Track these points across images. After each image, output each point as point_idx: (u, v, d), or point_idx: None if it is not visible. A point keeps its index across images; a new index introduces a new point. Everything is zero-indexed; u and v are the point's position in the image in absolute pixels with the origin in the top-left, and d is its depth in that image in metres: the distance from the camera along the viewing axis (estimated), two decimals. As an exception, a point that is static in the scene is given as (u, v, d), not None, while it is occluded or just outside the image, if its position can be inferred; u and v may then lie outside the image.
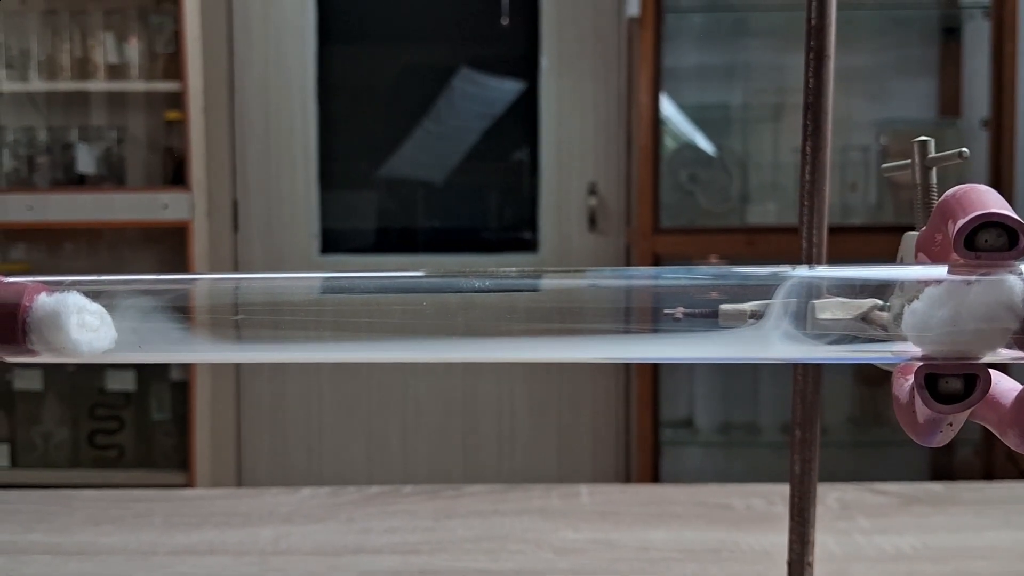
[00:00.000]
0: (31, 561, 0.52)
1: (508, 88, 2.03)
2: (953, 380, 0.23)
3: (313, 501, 0.61)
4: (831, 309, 0.24)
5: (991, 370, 0.24)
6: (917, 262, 0.28)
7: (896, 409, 0.27)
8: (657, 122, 1.75)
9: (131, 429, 1.98)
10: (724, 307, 0.25)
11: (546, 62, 1.98)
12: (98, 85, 1.90)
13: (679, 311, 0.25)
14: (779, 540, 0.54)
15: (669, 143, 1.85)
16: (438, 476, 1.97)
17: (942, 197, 0.26)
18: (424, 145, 2.04)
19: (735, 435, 1.87)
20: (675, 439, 1.89)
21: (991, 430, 0.26)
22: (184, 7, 1.83)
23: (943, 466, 1.84)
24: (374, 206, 2.08)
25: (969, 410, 0.24)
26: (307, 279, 0.27)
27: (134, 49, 1.89)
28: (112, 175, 1.94)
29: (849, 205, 1.82)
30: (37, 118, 1.96)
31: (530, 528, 0.56)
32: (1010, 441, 0.25)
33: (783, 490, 0.62)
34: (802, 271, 0.25)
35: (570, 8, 1.96)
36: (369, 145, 2.06)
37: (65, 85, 1.90)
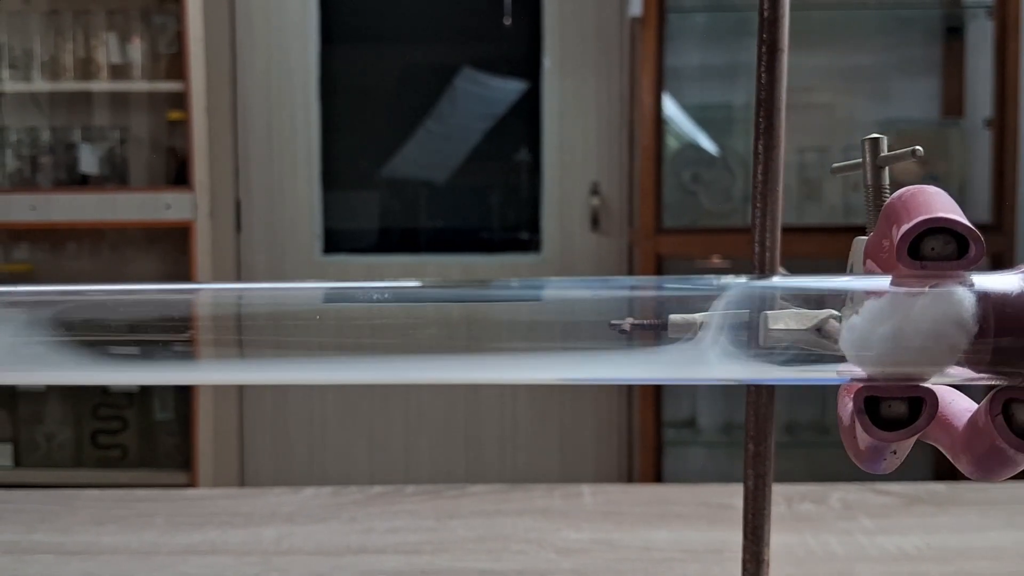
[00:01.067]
0: (34, 561, 0.52)
1: (510, 88, 2.03)
2: (896, 404, 0.21)
3: (315, 501, 0.61)
4: (784, 320, 0.22)
5: (946, 387, 0.22)
6: (865, 270, 0.25)
7: (840, 431, 0.24)
8: (660, 122, 1.75)
9: (134, 429, 1.98)
10: (673, 317, 0.23)
11: (548, 62, 1.98)
12: (101, 85, 1.90)
13: (627, 322, 0.23)
14: (783, 541, 0.54)
15: (672, 143, 1.85)
16: (440, 476, 1.97)
17: (888, 199, 0.24)
18: (426, 145, 2.04)
19: (738, 435, 1.87)
20: (678, 439, 1.89)
21: (944, 453, 0.24)
22: (187, 7, 1.83)
23: (946, 466, 1.83)
24: (377, 206, 2.08)
25: (915, 436, 0.22)
26: (182, 291, 0.24)
27: (137, 49, 1.89)
28: (115, 175, 1.94)
29: (852, 205, 1.82)
30: (40, 118, 1.97)
31: (532, 528, 0.56)
32: (963, 467, 0.23)
33: (787, 490, 0.62)
34: (730, 280, 0.23)
35: (572, 8, 1.96)
36: (372, 145, 2.06)
37: (68, 85, 1.90)
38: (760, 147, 0.33)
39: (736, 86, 1.89)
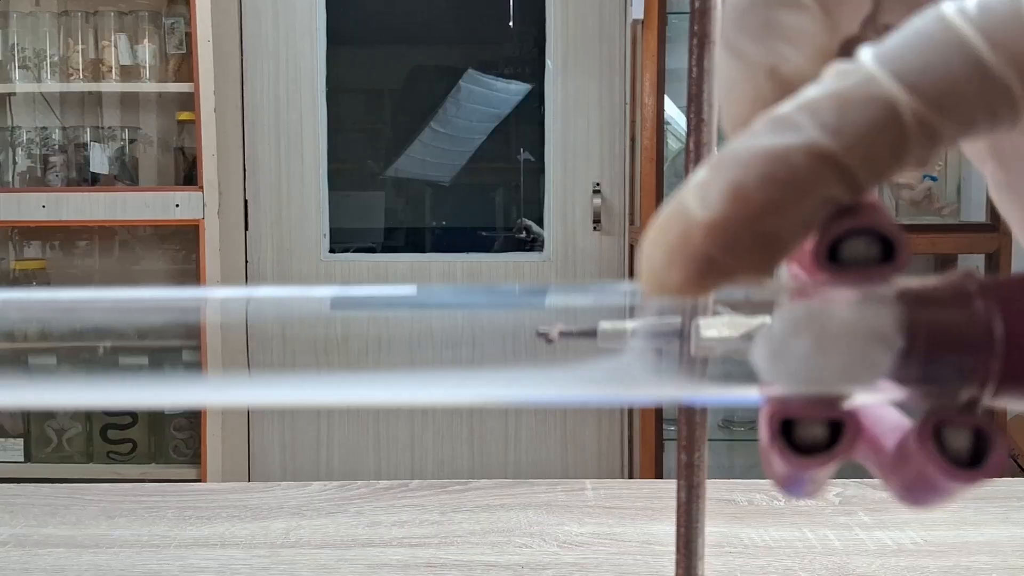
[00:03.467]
0: (46, 554, 0.53)
1: (514, 90, 2.04)
2: (813, 426, 0.18)
3: (322, 495, 0.61)
4: (717, 327, 0.20)
5: (881, 403, 0.20)
6: (790, 275, 0.23)
7: (760, 451, 0.21)
8: (661, 123, 1.75)
9: (144, 424, 2.00)
10: (603, 325, 0.20)
11: (552, 64, 1.98)
12: (111, 86, 1.91)
13: (556, 330, 0.21)
14: (781, 535, 0.54)
15: (673, 144, 1.86)
16: (445, 471, 1.98)
17: None
18: (431, 146, 2.05)
19: (738, 431, 1.88)
20: (678, 435, 1.89)
21: (874, 474, 0.21)
22: (196, 9, 1.84)
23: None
24: (382, 206, 2.09)
25: (833, 463, 0.19)
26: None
27: (146, 50, 1.91)
28: (125, 175, 1.95)
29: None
30: (51, 118, 1.98)
31: (535, 522, 0.57)
32: (892, 492, 0.21)
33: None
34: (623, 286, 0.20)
35: (575, 11, 1.97)
36: (377, 146, 2.07)
37: (78, 86, 1.91)
38: (691, 144, 0.30)
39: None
